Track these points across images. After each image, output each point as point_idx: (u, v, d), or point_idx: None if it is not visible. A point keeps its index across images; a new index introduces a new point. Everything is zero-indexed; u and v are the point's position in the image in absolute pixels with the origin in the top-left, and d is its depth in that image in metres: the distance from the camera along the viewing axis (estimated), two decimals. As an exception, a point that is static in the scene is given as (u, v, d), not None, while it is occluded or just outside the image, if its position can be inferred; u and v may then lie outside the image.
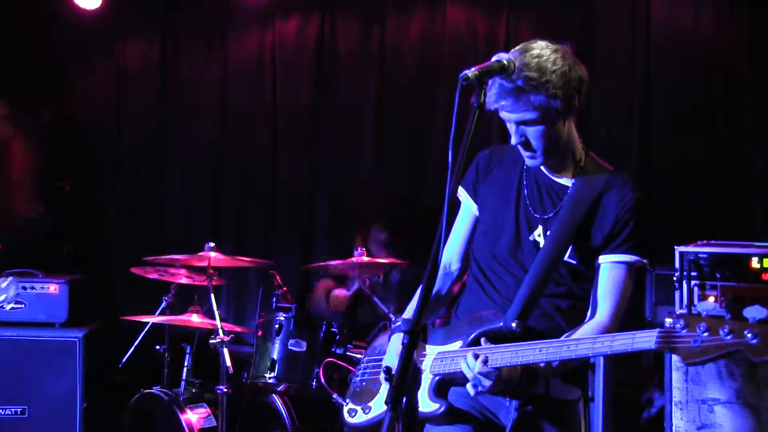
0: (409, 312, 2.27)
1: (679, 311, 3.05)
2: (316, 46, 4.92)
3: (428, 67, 4.74)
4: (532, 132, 2.01)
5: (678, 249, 3.03)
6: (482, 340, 2.02)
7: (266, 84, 4.99)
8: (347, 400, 2.30)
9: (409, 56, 4.78)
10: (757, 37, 4.18)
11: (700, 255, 3.01)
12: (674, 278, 3.03)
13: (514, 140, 2.05)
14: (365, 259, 3.73)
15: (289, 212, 4.98)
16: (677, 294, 3.06)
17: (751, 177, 4.18)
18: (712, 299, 2.99)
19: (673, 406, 2.96)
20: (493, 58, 1.84)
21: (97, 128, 5.19)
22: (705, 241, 3.23)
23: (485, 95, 1.74)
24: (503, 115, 2.02)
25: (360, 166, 4.87)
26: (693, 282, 3.00)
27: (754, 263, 2.95)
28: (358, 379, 2.32)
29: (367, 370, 2.31)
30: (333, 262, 3.86)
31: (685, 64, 4.32)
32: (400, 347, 2.10)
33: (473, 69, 1.75)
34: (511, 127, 2.04)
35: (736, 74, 4.22)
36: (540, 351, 1.90)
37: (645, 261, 2.08)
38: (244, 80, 5.03)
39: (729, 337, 1.67)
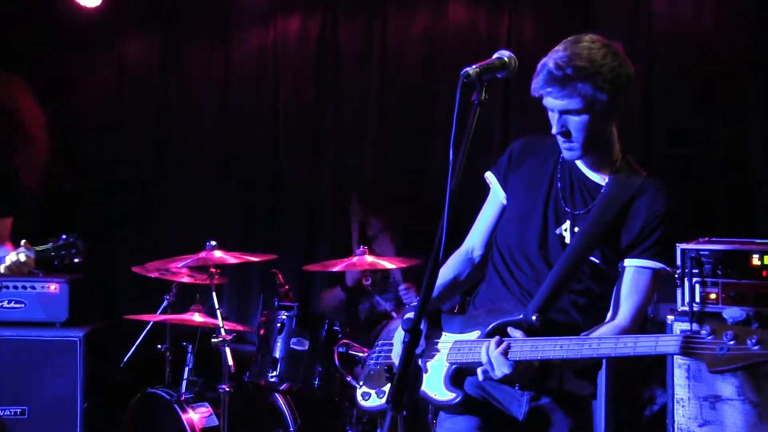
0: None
1: (680, 308, 3.05)
2: (319, 43, 4.92)
3: (430, 65, 4.74)
4: (574, 122, 2.00)
5: (680, 246, 3.03)
6: (509, 329, 2.00)
7: (268, 81, 4.99)
8: (361, 383, 2.28)
9: (411, 54, 4.78)
10: (760, 31, 4.16)
11: (701, 252, 3.00)
12: (676, 275, 3.03)
13: (554, 129, 2.04)
14: (368, 258, 3.72)
15: (291, 210, 4.98)
16: (679, 291, 3.06)
17: (753, 173, 4.17)
18: (713, 296, 2.98)
19: (675, 403, 2.96)
20: (494, 56, 1.83)
21: (99, 126, 5.19)
22: (706, 238, 3.23)
23: (487, 93, 1.74)
24: (547, 102, 2.01)
25: (362, 163, 4.87)
26: (695, 279, 3.00)
27: (755, 260, 2.95)
28: (373, 362, 2.30)
29: (382, 354, 2.30)
30: (335, 268, 3.79)
31: (688, 60, 4.31)
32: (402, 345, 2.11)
33: (474, 66, 1.75)
34: (553, 116, 2.03)
35: (739, 70, 4.21)
36: (560, 347, 1.90)
37: (669, 270, 2.07)
38: (247, 77, 5.03)
39: (757, 348, 1.65)
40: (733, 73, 4.21)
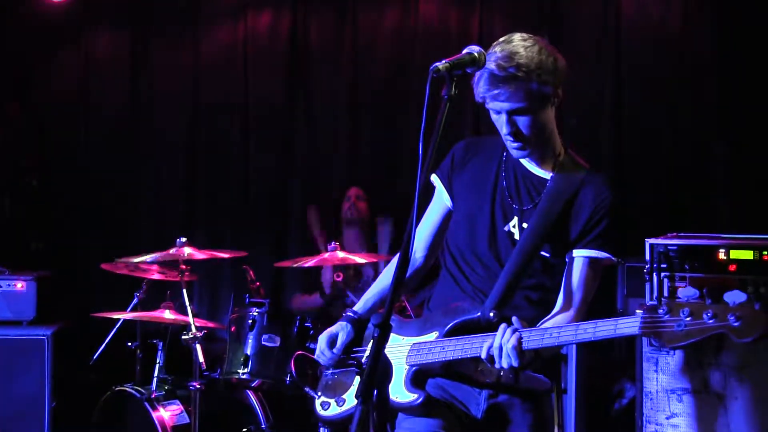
0: (360, 305, 2.26)
1: (649, 303, 3.09)
2: (289, 40, 4.90)
3: (401, 62, 4.75)
4: (523, 121, 2.02)
5: (648, 241, 3.07)
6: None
7: (238, 76, 4.95)
8: (319, 393, 2.28)
9: (382, 51, 4.78)
10: (725, 27, 4.22)
11: (669, 247, 3.04)
12: (645, 270, 3.06)
13: (505, 130, 2.05)
14: (339, 255, 3.71)
15: (262, 207, 4.95)
16: (647, 286, 3.10)
17: (719, 170, 4.23)
18: (690, 290, 3.02)
19: (644, 397, 3.00)
20: (464, 51, 1.84)
21: (66, 122, 5.12)
22: (674, 234, 3.27)
23: (457, 88, 1.74)
24: (494, 105, 2.02)
25: (333, 161, 4.86)
26: (663, 274, 3.03)
27: (721, 255, 2.99)
28: (330, 371, 2.30)
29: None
30: (306, 264, 3.77)
31: (656, 55, 4.36)
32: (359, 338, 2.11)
33: (444, 61, 1.75)
34: (501, 118, 2.04)
35: (705, 65, 4.27)
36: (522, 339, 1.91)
37: (614, 259, 2.10)
38: (216, 72, 4.99)
39: (712, 321, 1.71)
40: (700, 71, 4.27)
